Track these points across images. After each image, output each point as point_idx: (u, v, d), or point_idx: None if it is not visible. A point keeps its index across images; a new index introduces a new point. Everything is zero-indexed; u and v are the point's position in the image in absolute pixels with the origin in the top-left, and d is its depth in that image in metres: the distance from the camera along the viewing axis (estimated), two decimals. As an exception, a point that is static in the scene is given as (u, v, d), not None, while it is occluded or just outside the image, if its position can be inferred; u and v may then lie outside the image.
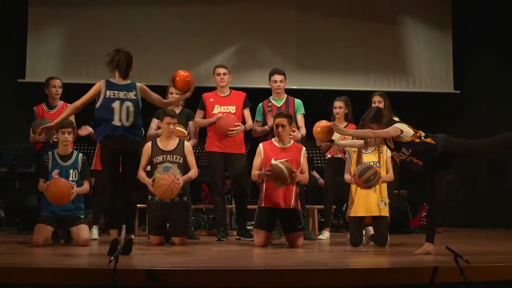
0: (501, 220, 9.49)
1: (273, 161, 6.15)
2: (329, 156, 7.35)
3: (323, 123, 6.16)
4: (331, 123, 6.14)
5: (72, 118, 7.00)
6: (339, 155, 7.17)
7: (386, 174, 6.39)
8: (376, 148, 6.34)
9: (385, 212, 6.31)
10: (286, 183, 6.01)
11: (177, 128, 6.61)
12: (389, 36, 10.16)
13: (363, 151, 6.40)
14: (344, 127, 7.10)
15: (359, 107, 7.46)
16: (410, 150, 5.37)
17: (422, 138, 5.38)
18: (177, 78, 5.61)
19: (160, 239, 6.39)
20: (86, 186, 6.36)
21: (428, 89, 10.20)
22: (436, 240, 5.42)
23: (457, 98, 10.21)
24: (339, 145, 6.66)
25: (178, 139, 6.53)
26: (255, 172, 6.30)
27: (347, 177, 6.52)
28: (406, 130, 5.38)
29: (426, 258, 5.03)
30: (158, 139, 6.52)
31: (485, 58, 10.02)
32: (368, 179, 5.98)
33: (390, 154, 6.26)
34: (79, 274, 4.11)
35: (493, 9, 9.93)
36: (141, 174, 6.26)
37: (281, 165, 6.01)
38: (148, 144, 6.47)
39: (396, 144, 5.43)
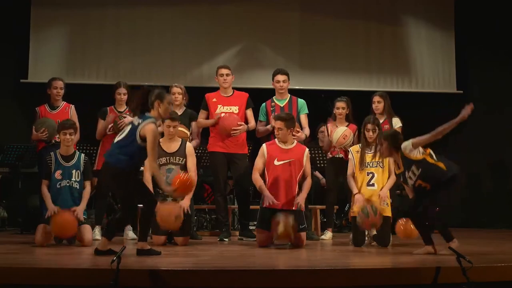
0: (502, 220, 9.47)
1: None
2: (330, 156, 7.33)
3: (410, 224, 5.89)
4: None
5: (75, 120, 7.01)
6: (340, 155, 7.15)
7: (389, 175, 6.40)
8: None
9: (388, 212, 6.31)
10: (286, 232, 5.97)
11: (180, 128, 6.60)
12: (392, 36, 10.13)
13: (367, 151, 6.39)
14: (346, 126, 7.12)
15: (361, 107, 7.46)
16: (421, 170, 5.32)
17: (435, 158, 5.34)
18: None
19: (163, 239, 6.38)
20: (88, 189, 6.37)
21: (430, 89, 10.17)
22: (438, 240, 5.42)
23: (460, 98, 10.17)
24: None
25: (180, 140, 6.49)
26: (257, 177, 6.28)
27: (350, 178, 6.51)
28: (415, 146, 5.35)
29: (428, 259, 5.03)
30: (160, 140, 6.49)
31: (488, 58, 10.00)
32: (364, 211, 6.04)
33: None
34: (81, 274, 4.12)
35: (496, 9, 9.91)
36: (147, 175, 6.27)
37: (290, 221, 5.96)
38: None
39: (406, 162, 5.36)
